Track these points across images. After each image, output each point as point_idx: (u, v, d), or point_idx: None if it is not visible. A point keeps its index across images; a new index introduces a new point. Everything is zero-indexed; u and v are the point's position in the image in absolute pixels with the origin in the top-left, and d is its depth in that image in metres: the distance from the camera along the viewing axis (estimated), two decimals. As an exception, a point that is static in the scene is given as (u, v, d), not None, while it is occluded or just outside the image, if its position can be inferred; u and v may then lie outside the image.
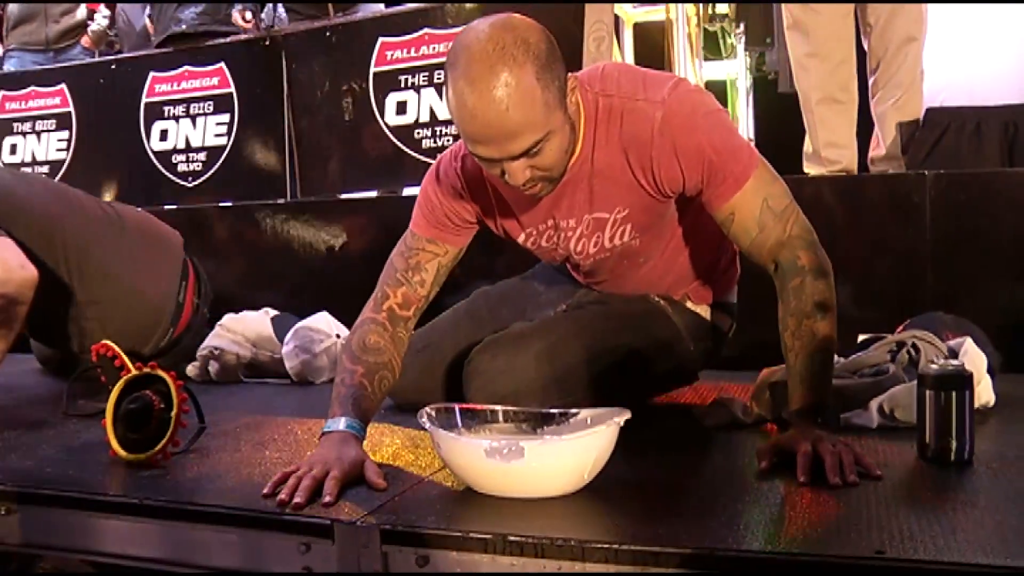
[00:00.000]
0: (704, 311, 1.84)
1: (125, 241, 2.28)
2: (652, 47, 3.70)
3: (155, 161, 3.51)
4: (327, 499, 1.26)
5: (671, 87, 1.50)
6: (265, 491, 1.31)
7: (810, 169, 2.72)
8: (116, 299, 2.19)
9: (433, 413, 1.36)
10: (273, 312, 2.53)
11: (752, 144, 1.59)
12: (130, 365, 1.58)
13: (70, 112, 3.68)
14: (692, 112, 1.49)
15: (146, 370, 1.56)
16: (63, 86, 3.68)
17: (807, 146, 2.73)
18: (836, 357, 1.58)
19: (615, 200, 1.59)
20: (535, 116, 1.35)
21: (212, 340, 2.40)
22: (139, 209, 2.53)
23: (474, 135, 1.37)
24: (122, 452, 1.51)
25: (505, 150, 1.37)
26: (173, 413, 1.51)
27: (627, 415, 1.29)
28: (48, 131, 3.72)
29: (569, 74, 1.44)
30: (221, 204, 3.29)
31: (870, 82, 2.67)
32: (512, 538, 1.12)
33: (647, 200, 1.58)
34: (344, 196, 3.29)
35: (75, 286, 2.16)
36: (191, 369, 2.40)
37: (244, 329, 2.42)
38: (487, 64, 1.32)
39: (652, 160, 1.51)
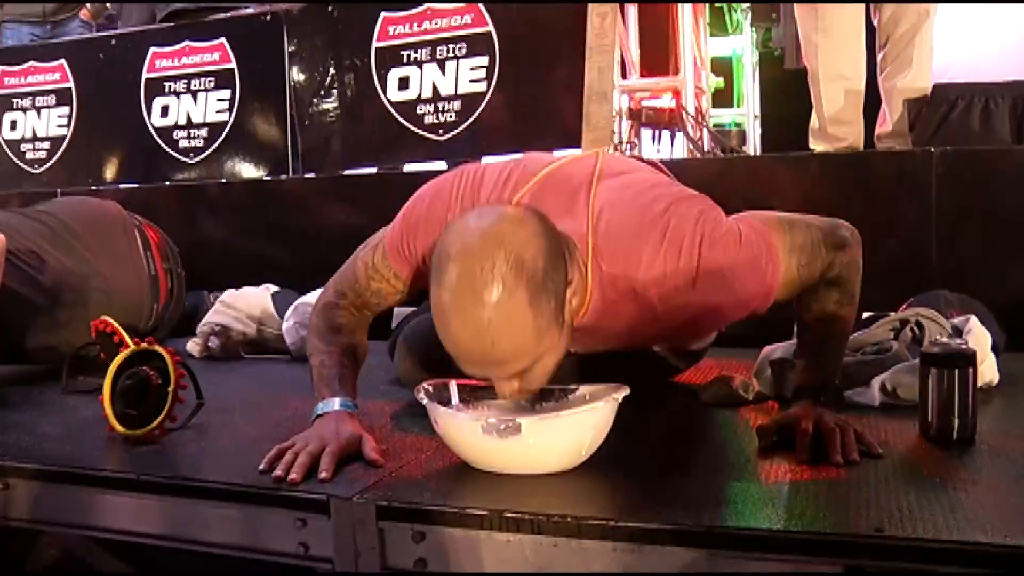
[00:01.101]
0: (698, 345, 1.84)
1: (80, 244, 2.23)
2: (657, 23, 3.67)
3: (156, 137, 3.49)
4: (323, 475, 1.26)
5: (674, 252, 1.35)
6: (261, 467, 1.31)
7: (816, 145, 2.70)
8: (95, 302, 2.15)
9: (431, 388, 1.36)
10: (274, 288, 2.53)
11: (757, 223, 1.43)
12: (129, 341, 1.57)
13: (70, 88, 3.66)
14: (718, 275, 1.37)
15: (143, 346, 1.56)
16: (62, 61, 3.66)
17: (813, 122, 2.71)
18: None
19: (621, 340, 1.54)
20: (525, 346, 1.20)
21: (213, 316, 2.40)
22: (71, 198, 2.50)
23: (455, 356, 1.23)
24: (120, 428, 1.51)
25: (489, 373, 1.25)
26: (170, 389, 1.52)
27: (626, 391, 1.29)
28: (48, 107, 3.69)
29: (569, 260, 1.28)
30: (223, 181, 3.28)
31: (878, 58, 2.65)
32: (509, 514, 1.12)
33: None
34: (347, 172, 3.28)
35: (49, 306, 2.10)
36: (192, 345, 2.40)
37: (245, 305, 2.41)
38: (473, 291, 1.15)
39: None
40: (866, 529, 1.03)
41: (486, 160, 3.08)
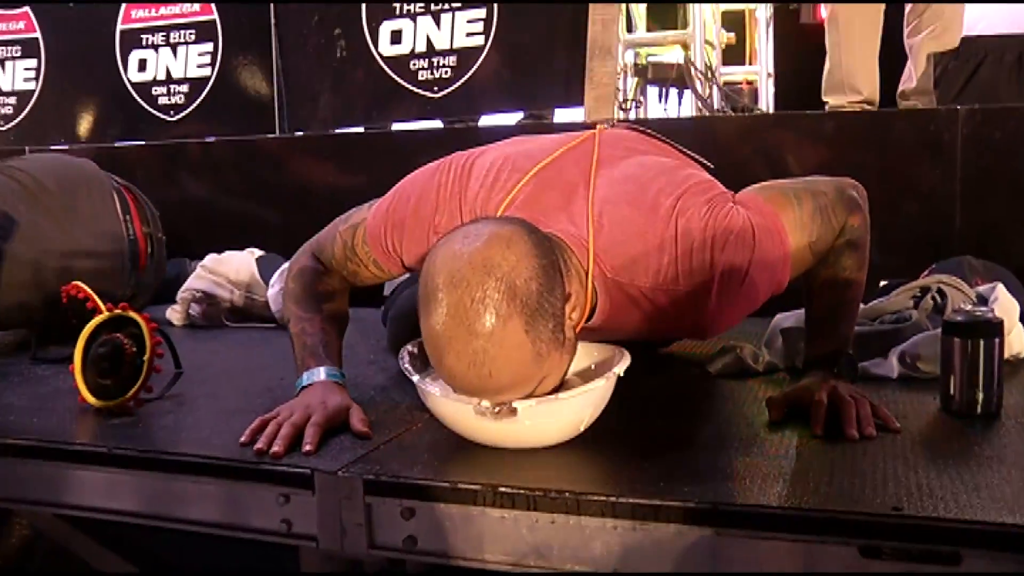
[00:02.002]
0: None
1: (54, 203, 2.18)
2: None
3: (133, 93, 3.46)
4: (307, 447, 1.26)
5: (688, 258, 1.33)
6: (243, 439, 1.31)
7: (830, 99, 2.68)
8: (68, 267, 2.10)
9: (416, 351, 1.34)
10: (259, 252, 2.51)
11: (761, 198, 1.41)
12: (102, 306, 1.56)
13: (37, 38, 3.60)
14: (732, 279, 1.35)
15: (117, 312, 1.54)
16: (27, 9, 3.61)
17: (827, 75, 2.68)
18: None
19: (631, 337, 1.49)
20: (524, 374, 1.19)
21: (193, 282, 2.38)
22: (45, 155, 2.47)
23: (452, 386, 1.22)
24: (92, 399, 1.50)
25: (489, 400, 1.22)
26: (146, 357, 1.50)
27: (626, 363, 1.28)
28: (13, 58, 3.64)
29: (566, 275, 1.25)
30: (206, 139, 3.25)
31: (907, 10, 2.61)
32: (503, 489, 1.12)
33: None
34: (337, 131, 3.25)
35: (18, 269, 2.06)
36: (171, 313, 2.38)
37: (228, 271, 2.40)
38: (465, 323, 1.14)
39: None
40: (883, 508, 1.03)
41: (485, 120, 3.07)
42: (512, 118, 3.24)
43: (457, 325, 1.14)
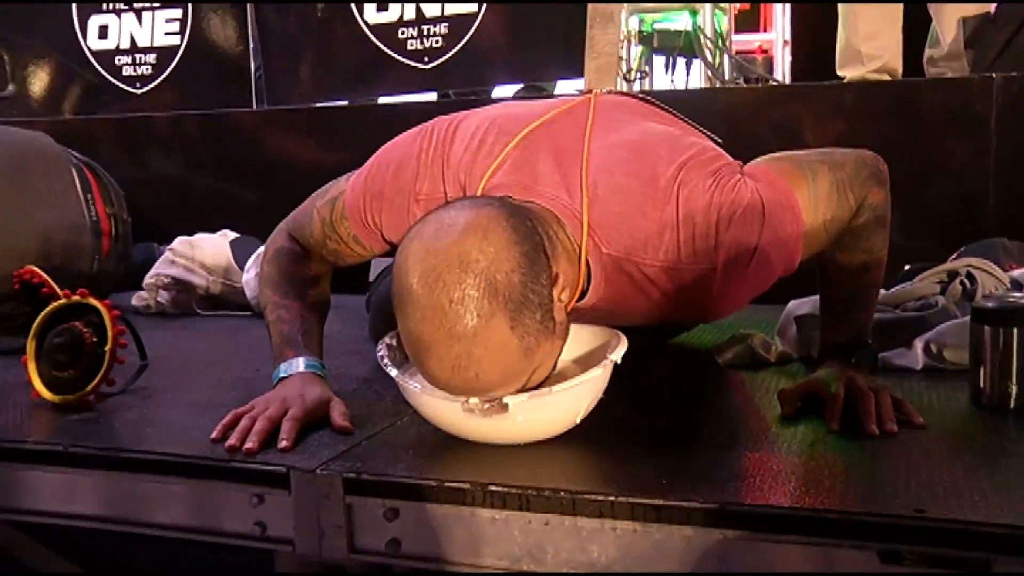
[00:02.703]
0: None
1: (5, 181, 2.16)
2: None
3: (94, 63, 3.44)
4: (283, 443, 1.26)
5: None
6: (214, 435, 1.31)
7: (846, 71, 2.67)
8: (23, 250, 2.08)
9: (395, 343, 1.34)
10: (233, 235, 2.52)
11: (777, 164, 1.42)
12: (59, 292, 1.56)
13: (-14, 1, 3.60)
14: (739, 259, 1.35)
15: (76, 299, 1.54)
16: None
17: (842, 42, 2.67)
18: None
19: (629, 321, 1.49)
20: (513, 371, 1.19)
21: (162, 267, 2.39)
22: None
23: (438, 388, 1.22)
24: (47, 393, 1.50)
25: (479, 398, 1.22)
26: (107, 348, 1.50)
27: (624, 347, 1.28)
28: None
29: (553, 249, 1.24)
30: (175, 113, 3.25)
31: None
32: (494, 488, 1.12)
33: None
34: (319, 105, 3.25)
35: None
36: (137, 300, 2.39)
37: (199, 254, 2.40)
38: (444, 326, 1.13)
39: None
40: (905, 509, 1.03)
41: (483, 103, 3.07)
42: (511, 89, 3.25)
43: (436, 328, 1.14)
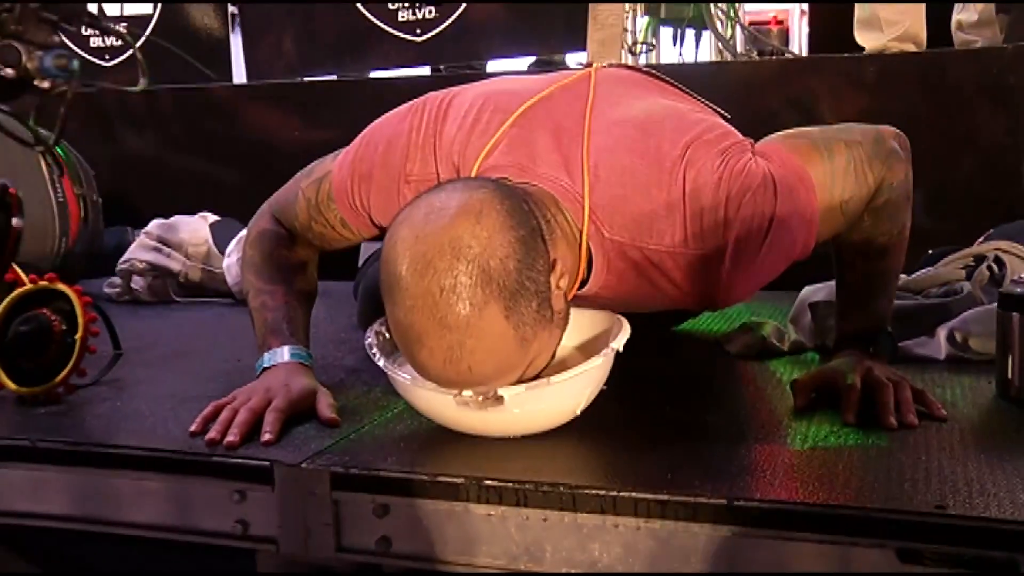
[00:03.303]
0: None
1: None
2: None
3: (60, 34, 3.45)
4: (267, 436, 1.27)
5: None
6: (193, 428, 1.32)
7: (864, 38, 2.66)
8: None
9: (384, 331, 1.35)
10: (212, 217, 2.52)
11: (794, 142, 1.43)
12: (24, 277, 1.56)
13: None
14: (750, 242, 1.34)
15: (43, 284, 1.54)
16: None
17: (860, 10, 2.66)
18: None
19: (634, 309, 1.50)
20: (508, 362, 1.20)
21: (136, 252, 2.39)
22: None
23: (430, 380, 1.23)
24: (12, 385, 1.50)
25: (472, 391, 1.24)
26: (78, 336, 1.50)
27: (626, 334, 1.29)
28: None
29: (551, 236, 1.25)
30: (147, 88, 3.24)
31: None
32: (489, 483, 1.13)
33: None
34: (304, 79, 3.25)
35: None
36: (109, 287, 2.40)
37: (176, 238, 2.41)
38: (435, 316, 1.14)
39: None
40: (925, 506, 1.04)
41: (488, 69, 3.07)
42: (521, 63, 3.24)
43: (427, 319, 1.15)
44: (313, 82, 3.18)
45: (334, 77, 3.30)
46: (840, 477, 1.13)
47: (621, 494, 1.09)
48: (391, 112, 1.52)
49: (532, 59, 3.37)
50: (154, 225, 2.46)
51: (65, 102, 1.56)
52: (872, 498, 1.07)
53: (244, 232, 2.30)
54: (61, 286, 1.54)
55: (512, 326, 1.17)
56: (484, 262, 1.15)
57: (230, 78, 3.30)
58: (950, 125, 2.25)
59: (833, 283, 1.55)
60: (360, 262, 2.14)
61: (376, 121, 1.53)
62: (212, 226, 2.46)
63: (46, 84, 1.53)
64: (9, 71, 1.49)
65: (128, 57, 3.37)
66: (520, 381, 1.22)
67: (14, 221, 1.50)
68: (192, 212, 2.56)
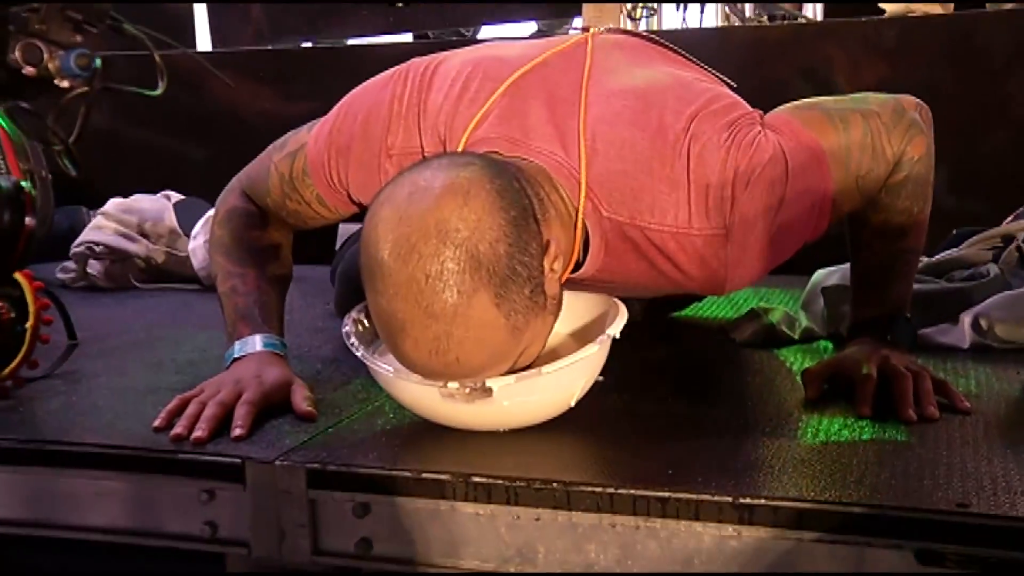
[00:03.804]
0: None
1: None
2: None
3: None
4: (237, 431, 1.28)
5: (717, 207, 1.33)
6: (156, 423, 1.33)
7: (887, 3, 2.66)
8: None
9: (363, 317, 1.36)
10: (176, 196, 2.53)
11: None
12: (-31, 266, 1.56)
13: None
14: (758, 221, 1.35)
15: (-11, 271, 1.54)
16: None
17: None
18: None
19: (634, 293, 1.52)
20: (498, 353, 1.21)
21: (92, 234, 2.40)
22: None
23: (414, 372, 1.24)
24: (-44, 378, 1.49)
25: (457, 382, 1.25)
26: (28, 325, 1.50)
27: (623, 319, 1.30)
28: None
29: (546, 214, 1.27)
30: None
31: None
32: (477, 479, 1.14)
33: None
34: (272, 48, 3.25)
35: None
36: (62, 272, 2.41)
37: (136, 219, 2.42)
38: (420, 304, 1.15)
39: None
40: (946, 504, 1.04)
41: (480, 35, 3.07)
42: (522, 30, 3.23)
43: (412, 307, 1.15)
44: (285, 49, 3.18)
45: (308, 44, 3.30)
46: (854, 473, 1.14)
47: (619, 491, 1.10)
48: (371, 80, 1.52)
49: (533, 27, 3.37)
50: (112, 205, 2.46)
51: (85, 101, 1.59)
52: (889, 496, 1.07)
53: (211, 212, 2.32)
54: (10, 272, 1.53)
55: (503, 314, 1.17)
56: (473, 246, 1.15)
57: (194, 45, 3.29)
58: (978, 94, 2.26)
59: (847, 266, 1.56)
60: (338, 244, 2.15)
61: (355, 90, 1.53)
62: (176, 206, 2.46)
63: (66, 83, 1.56)
64: (31, 69, 1.52)
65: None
66: (510, 372, 1.23)
67: (27, 220, 1.49)
68: (153, 190, 2.56)
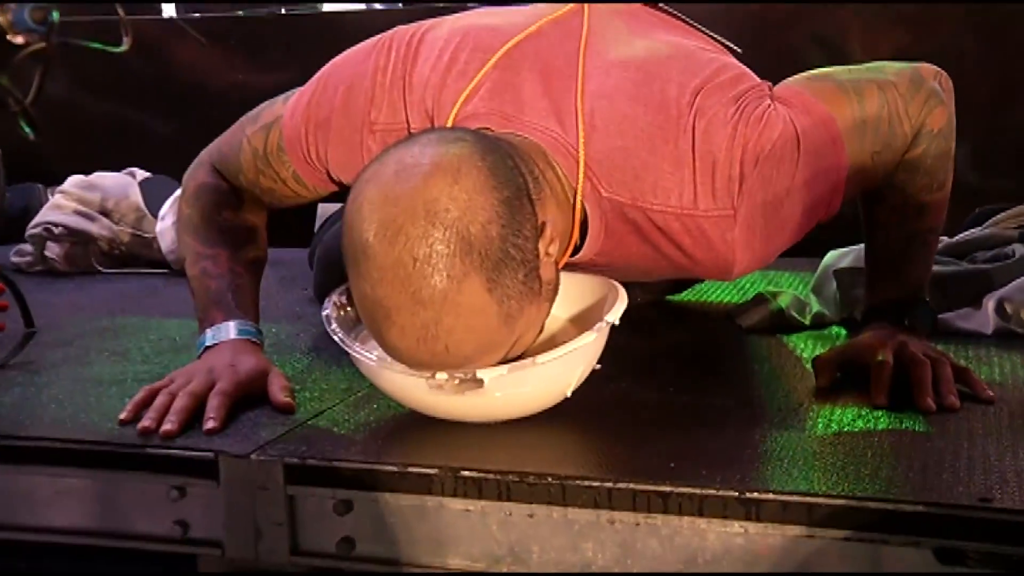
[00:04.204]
0: None
1: None
2: None
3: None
4: (211, 424, 1.29)
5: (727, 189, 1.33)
6: (122, 416, 1.33)
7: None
8: None
9: (345, 301, 1.36)
10: (142, 174, 2.53)
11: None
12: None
13: None
14: (767, 202, 1.36)
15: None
16: None
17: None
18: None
19: (635, 278, 1.52)
20: (490, 341, 1.21)
21: (50, 214, 2.39)
22: None
23: (401, 361, 1.24)
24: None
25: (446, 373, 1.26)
26: (-19, 312, 1.50)
27: (623, 304, 1.30)
28: None
29: (540, 198, 1.27)
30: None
31: None
32: (467, 473, 1.14)
33: None
34: (245, 13, 3.24)
35: None
36: (17, 255, 2.41)
37: (99, 198, 2.42)
38: (408, 290, 1.15)
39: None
40: (967, 499, 1.05)
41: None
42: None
43: (398, 292, 1.15)
44: (258, 15, 3.17)
45: (282, 10, 3.29)
46: (869, 466, 1.14)
47: (618, 486, 1.10)
48: (352, 49, 1.52)
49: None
50: (72, 183, 2.46)
51: (44, 59, 1.56)
52: (906, 490, 1.08)
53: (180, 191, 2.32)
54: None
55: (495, 301, 1.18)
56: (463, 228, 1.15)
57: (159, 12, 3.28)
58: (1003, 64, 2.26)
59: (862, 247, 1.57)
60: (316, 226, 2.15)
61: (335, 60, 1.53)
62: (142, 184, 2.46)
63: (20, 39, 1.53)
64: None
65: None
66: (503, 362, 1.24)
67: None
68: (117, 168, 2.56)
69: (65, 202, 2.41)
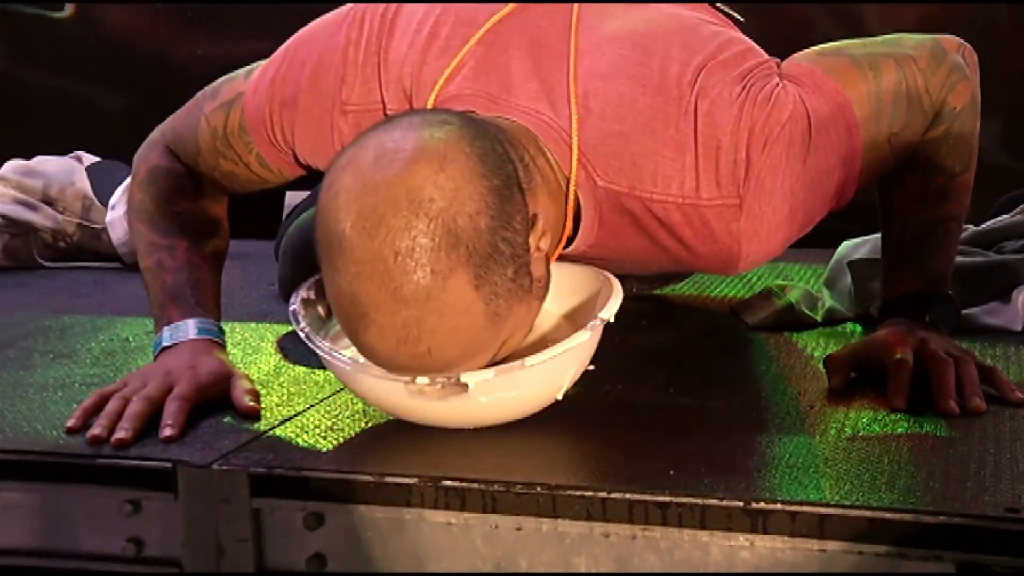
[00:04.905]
0: None
1: None
2: None
3: None
4: (168, 431, 1.29)
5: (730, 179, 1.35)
6: (70, 423, 1.34)
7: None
8: None
9: (314, 296, 1.37)
10: (90, 158, 2.53)
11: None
12: None
13: None
14: (776, 189, 1.37)
15: None
16: None
17: None
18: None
19: (632, 271, 1.55)
20: (476, 343, 1.22)
21: (-13, 203, 2.39)
22: None
23: (378, 364, 1.25)
24: None
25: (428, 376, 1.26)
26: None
27: (618, 300, 1.31)
28: None
29: (532, 190, 1.28)
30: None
31: None
32: (449, 483, 1.15)
33: None
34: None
35: None
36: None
37: (40, 183, 2.42)
38: (388, 287, 1.15)
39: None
40: (992, 509, 1.06)
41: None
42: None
43: (377, 289, 1.16)
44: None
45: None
46: (886, 474, 1.16)
47: (612, 495, 1.11)
48: (321, 19, 1.53)
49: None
50: (10, 168, 2.46)
51: None
52: (926, 500, 1.09)
53: (131, 176, 2.32)
54: None
55: (482, 299, 1.18)
56: (450, 219, 1.15)
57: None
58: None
59: (878, 237, 1.58)
60: (284, 215, 2.15)
61: (301, 32, 1.54)
62: (90, 169, 2.46)
63: None
64: None
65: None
66: (489, 364, 1.25)
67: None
68: (62, 151, 2.56)
69: (3, 189, 2.41)
